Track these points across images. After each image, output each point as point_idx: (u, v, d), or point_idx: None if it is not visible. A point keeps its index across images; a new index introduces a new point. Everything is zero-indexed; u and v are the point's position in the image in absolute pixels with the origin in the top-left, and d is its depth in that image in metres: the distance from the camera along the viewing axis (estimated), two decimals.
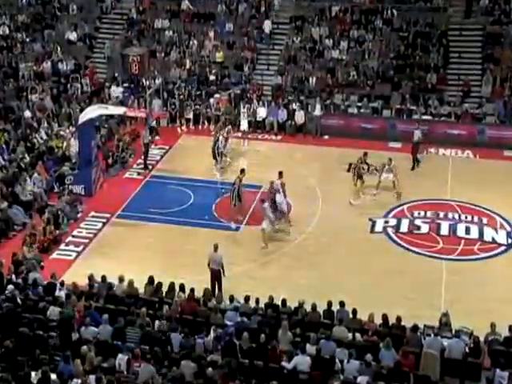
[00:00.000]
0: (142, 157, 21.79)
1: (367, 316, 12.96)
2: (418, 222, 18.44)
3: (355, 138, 22.92)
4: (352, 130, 23.71)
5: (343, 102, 24.98)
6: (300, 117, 24.17)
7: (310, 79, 25.80)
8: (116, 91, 25.37)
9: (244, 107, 24.20)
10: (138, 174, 21.42)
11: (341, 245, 17.35)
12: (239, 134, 23.59)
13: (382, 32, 26.92)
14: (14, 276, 14.56)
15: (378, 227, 18.18)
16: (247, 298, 13.59)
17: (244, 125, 23.96)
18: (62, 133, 22.34)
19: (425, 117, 24.05)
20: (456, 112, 24.20)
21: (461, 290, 15.41)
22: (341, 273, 16.10)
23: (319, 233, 17.88)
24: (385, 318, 12.89)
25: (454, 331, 12.70)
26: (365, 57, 26.35)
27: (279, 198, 17.55)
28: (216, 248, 15.08)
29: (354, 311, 13.03)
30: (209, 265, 14.99)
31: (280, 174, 18.18)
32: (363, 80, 25.61)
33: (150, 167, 21.78)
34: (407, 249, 17.28)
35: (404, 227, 18.18)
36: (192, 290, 13.50)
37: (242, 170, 18.46)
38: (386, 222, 18.45)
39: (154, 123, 23.69)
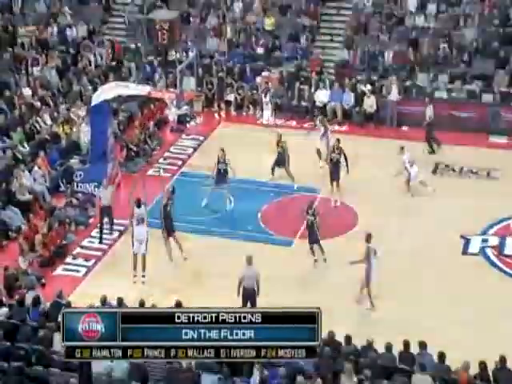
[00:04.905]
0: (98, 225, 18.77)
1: (458, 362, 12.80)
2: None
3: (444, 129, 22.74)
4: (440, 120, 23.35)
5: (430, 83, 24.85)
6: (371, 102, 24.19)
7: (386, 54, 25.79)
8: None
9: (266, 95, 23.94)
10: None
11: (423, 269, 17.30)
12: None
13: None
14: (4, 295, 14.98)
15: (474, 247, 18.14)
16: None
17: (266, 115, 23.87)
18: (71, 116, 22.68)
19: None
20: None
21: None
22: (423, 305, 16.03)
23: (396, 253, 17.82)
24: (483, 366, 12.75)
25: None
26: (459, 24, 26.11)
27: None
28: (250, 261, 15.34)
29: (441, 355, 12.95)
30: (240, 283, 15.24)
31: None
32: (456, 55, 25.42)
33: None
34: None
35: (510, 248, 18.09)
36: None
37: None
38: (485, 240, 18.37)
39: (185, 108, 23.93)
